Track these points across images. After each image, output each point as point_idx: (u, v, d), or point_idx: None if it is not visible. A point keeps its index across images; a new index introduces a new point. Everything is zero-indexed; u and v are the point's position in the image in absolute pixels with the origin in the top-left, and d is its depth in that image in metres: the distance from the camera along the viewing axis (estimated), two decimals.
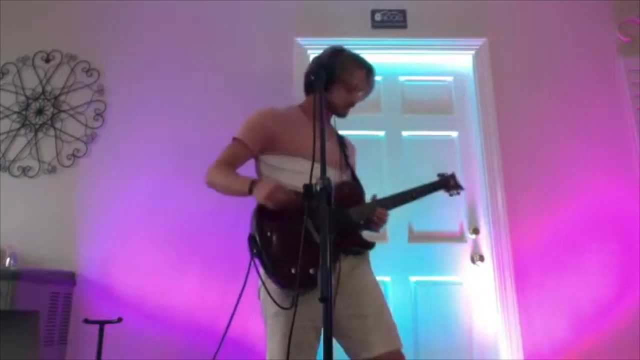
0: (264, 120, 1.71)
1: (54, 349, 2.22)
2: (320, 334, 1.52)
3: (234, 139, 1.71)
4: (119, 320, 2.08)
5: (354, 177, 1.78)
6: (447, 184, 1.82)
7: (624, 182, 2.55)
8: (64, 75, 2.71)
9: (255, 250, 1.49)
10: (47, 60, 2.74)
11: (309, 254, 1.41)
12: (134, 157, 2.58)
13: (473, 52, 2.77)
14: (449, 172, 1.86)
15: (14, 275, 2.01)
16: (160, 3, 2.83)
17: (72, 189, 2.54)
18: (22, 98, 2.68)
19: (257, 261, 1.51)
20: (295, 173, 1.59)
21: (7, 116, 2.65)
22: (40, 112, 2.65)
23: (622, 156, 2.59)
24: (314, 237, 1.47)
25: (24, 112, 2.65)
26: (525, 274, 2.41)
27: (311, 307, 1.38)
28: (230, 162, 1.70)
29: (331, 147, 1.65)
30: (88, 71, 2.71)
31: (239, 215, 2.50)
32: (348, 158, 1.79)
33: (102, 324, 2.08)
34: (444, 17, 2.81)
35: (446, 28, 2.79)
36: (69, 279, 2.37)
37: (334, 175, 1.66)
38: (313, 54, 2.63)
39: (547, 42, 2.78)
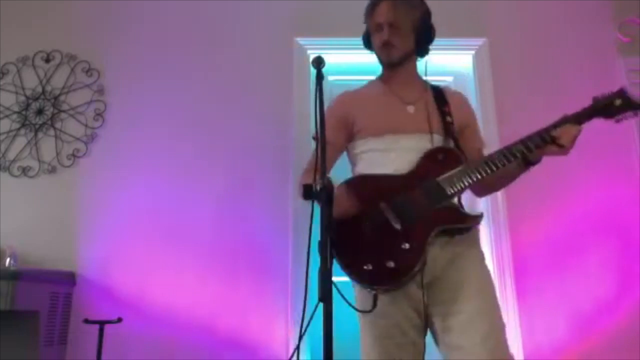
0: (335, 109, 1.54)
1: (54, 349, 2.22)
2: (424, 329, 1.37)
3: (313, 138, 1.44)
4: (119, 320, 2.08)
5: (456, 143, 1.50)
6: (608, 106, 1.42)
7: (624, 182, 2.55)
8: (64, 75, 2.71)
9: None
10: (47, 60, 2.74)
11: (387, 245, 1.27)
12: (134, 157, 2.58)
13: (473, 52, 2.77)
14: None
15: (14, 275, 2.01)
16: (160, 3, 2.82)
17: (72, 189, 2.54)
18: (22, 98, 2.68)
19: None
20: (378, 152, 1.44)
21: (7, 116, 2.65)
22: (40, 112, 2.65)
23: (622, 156, 2.59)
24: (393, 225, 1.29)
25: (24, 112, 2.65)
26: (525, 274, 2.41)
27: (401, 303, 1.29)
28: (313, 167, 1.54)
29: (415, 114, 1.48)
30: (88, 71, 2.71)
31: (240, 215, 2.51)
32: (448, 117, 1.50)
33: (102, 324, 2.08)
34: (444, 17, 2.79)
35: (446, 28, 2.77)
36: (69, 279, 2.37)
37: (422, 144, 1.43)
38: (313, 54, 2.63)
39: (547, 42, 2.78)
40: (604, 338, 2.32)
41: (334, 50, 2.69)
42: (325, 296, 0.98)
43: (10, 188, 2.54)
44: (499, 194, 2.51)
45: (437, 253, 1.36)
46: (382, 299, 1.29)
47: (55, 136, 2.61)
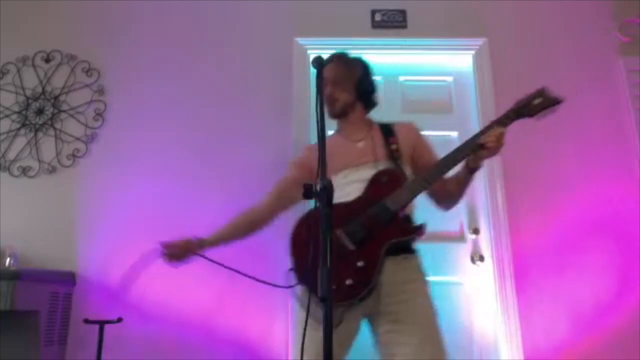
0: (303, 155, 1.82)
1: (54, 349, 2.22)
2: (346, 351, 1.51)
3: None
4: (119, 320, 2.08)
5: (400, 167, 1.66)
6: (527, 106, 1.54)
7: (624, 182, 2.55)
8: (64, 75, 2.71)
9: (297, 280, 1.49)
10: (47, 60, 2.74)
11: (345, 266, 1.43)
12: (134, 157, 2.58)
13: (473, 52, 2.77)
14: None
15: (14, 275, 2.01)
16: (160, 3, 2.83)
17: (72, 189, 2.54)
18: (22, 98, 2.68)
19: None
20: (341, 187, 1.60)
21: (7, 116, 2.65)
22: (40, 112, 2.65)
23: (622, 156, 2.59)
24: (345, 244, 1.47)
25: (24, 112, 2.66)
26: (525, 274, 2.41)
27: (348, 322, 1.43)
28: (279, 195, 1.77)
29: (363, 148, 1.67)
30: (88, 71, 2.71)
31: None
32: (393, 145, 1.67)
33: (102, 324, 2.08)
34: (444, 17, 2.81)
35: (446, 28, 2.79)
36: (69, 279, 2.37)
37: (369, 173, 1.60)
38: (313, 54, 2.64)
39: (547, 42, 2.79)
40: (604, 338, 2.32)
41: (334, 50, 2.68)
42: (326, 296, 0.98)
43: (10, 188, 2.54)
44: (499, 194, 2.52)
45: (390, 277, 1.50)
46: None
47: (55, 136, 2.62)
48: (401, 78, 2.79)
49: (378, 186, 1.56)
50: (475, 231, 2.52)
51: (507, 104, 2.63)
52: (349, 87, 1.73)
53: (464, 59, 2.79)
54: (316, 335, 1.36)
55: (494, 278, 2.43)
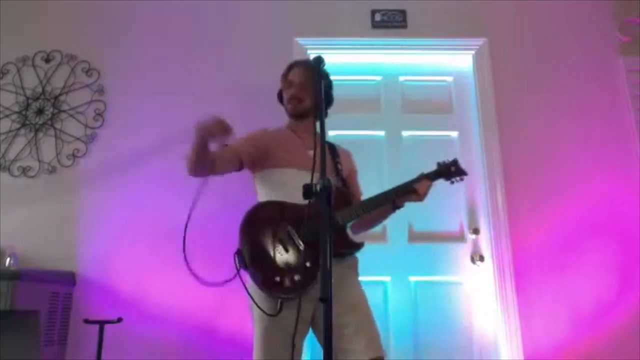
0: (259, 134, 1.85)
1: (54, 349, 2.22)
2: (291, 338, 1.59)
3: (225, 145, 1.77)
4: (119, 320, 2.08)
5: (344, 183, 1.82)
6: (447, 171, 1.81)
7: (624, 182, 2.55)
8: (64, 75, 2.71)
9: (242, 264, 1.58)
10: (47, 60, 2.74)
11: (293, 262, 1.56)
12: (134, 157, 2.58)
13: (473, 52, 2.77)
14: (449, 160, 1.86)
15: (14, 275, 2.01)
16: (160, 3, 2.83)
17: (72, 189, 2.54)
18: (22, 98, 2.68)
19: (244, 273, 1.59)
20: (281, 185, 1.72)
21: (7, 116, 2.65)
22: (40, 112, 2.65)
23: (622, 156, 2.59)
24: (296, 243, 1.59)
25: (24, 112, 2.66)
26: (525, 274, 2.41)
27: (293, 310, 1.51)
28: (215, 156, 1.72)
29: (312, 157, 1.72)
30: (88, 71, 2.71)
31: (239, 215, 2.51)
32: (338, 164, 1.84)
33: (102, 324, 2.08)
34: (444, 17, 2.81)
35: (446, 28, 2.79)
36: (69, 279, 2.37)
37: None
38: (313, 54, 2.64)
39: (547, 42, 2.78)
40: (604, 338, 2.32)
41: (334, 50, 2.69)
42: (326, 296, 0.98)
43: (10, 188, 2.54)
44: (499, 194, 2.52)
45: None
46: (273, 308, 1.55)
47: (55, 136, 2.62)
48: (401, 78, 2.79)
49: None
50: (475, 231, 2.52)
51: (507, 104, 2.67)
52: (312, 94, 1.84)
53: (464, 59, 2.79)
54: (261, 326, 1.60)
55: (494, 278, 2.43)
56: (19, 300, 2.00)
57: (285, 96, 1.90)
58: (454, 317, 2.42)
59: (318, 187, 1.15)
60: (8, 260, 2.30)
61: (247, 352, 2.30)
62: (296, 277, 1.54)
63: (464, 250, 2.51)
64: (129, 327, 2.22)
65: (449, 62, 2.82)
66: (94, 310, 2.31)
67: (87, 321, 2.08)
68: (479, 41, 2.76)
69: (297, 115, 1.86)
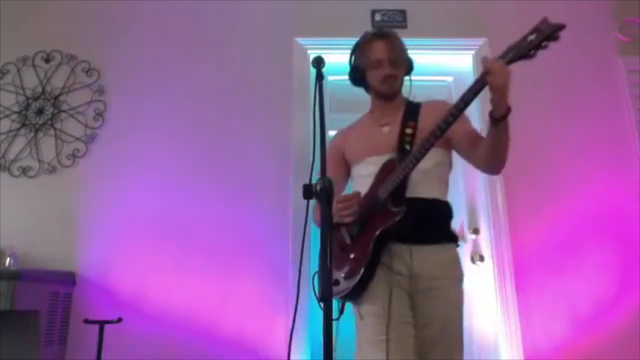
0: (330, 147, 1.75)
1: (54, 349, 2.22)
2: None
3: None
4: (119, 320, 2.09)
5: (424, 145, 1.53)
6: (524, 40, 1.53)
7: (624, 182, 2.55)
8: (64, 75, 2.71)
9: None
10: (47, 60, 2.74)
11: (342, 259, 1.54)
12: (134, 157, 2.58)
13: (473, 52, 2.77)
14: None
15: (14, 275, 2.01)
16: (160, 3, 2.83)
17: (72, 189, 2.54)
18: (22, 98, 2.68)
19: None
20: (360, 177, 1.67)
21: (7, 116, 2.65)
22: (40, 112, 2.65)
23: (622, 156, 2.59)
24: (345, 240, 1.57)
25: (24, 112, 2.66)
26: (525, 274, 2.41)
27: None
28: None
29: (387, 134, 1.67)
30: (88, 71, 2.71)
31: (239, 215, 2.51)
32: (407, 132, 1.63)
33: (102, 324, 2.08)
34: (444, 17, 2.81)
35: (446, 28, 2.79)
36: (69, 279, 2.37)
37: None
38: (313, 54, 2.63)
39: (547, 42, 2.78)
40: (604, 338, 2.32)
41: (334, 50, 2.68)
42: (326, 296, 0.98)
43: (10, 188, 2.54)
44: (499, 194, 2.51)
45: (425, 258, 1.58)
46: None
47: (55, 136, 2.62)
48: None
49: (380, 178, 1.58)
50: (475, 231, 2.52)
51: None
52: (402, 65, 1.72)
53: (464, 59, 2.79)
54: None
55: (494, 278, 2.43)
56: (19, 300, 2.00)
57: (377, 77, 1.69)
58: None
59: (318, 187, 1.13)
60: (8, 260, 2.30)
61: (247, 352, 2.31)
62: (341, 275, 1.52)
63: (463, 250, 2.50)
64: (129, 327, 2.22)
65: (449, 62, 2.81)
66: (94, 310, 2.31)
67: (87, 321, 2.08)
68: (479, 41, 2.76)
69: (395, 94, 1.72)
